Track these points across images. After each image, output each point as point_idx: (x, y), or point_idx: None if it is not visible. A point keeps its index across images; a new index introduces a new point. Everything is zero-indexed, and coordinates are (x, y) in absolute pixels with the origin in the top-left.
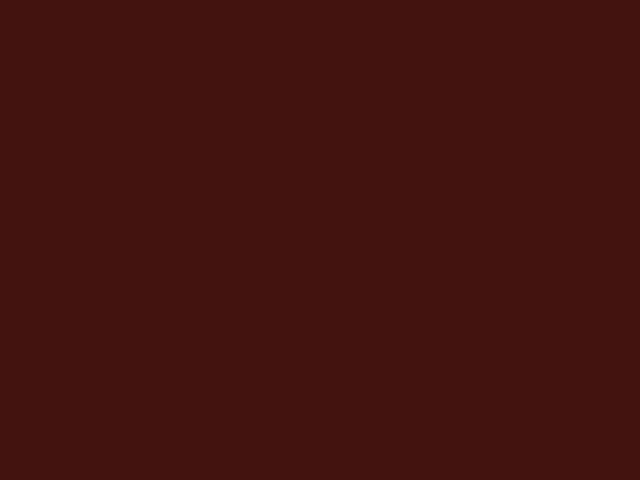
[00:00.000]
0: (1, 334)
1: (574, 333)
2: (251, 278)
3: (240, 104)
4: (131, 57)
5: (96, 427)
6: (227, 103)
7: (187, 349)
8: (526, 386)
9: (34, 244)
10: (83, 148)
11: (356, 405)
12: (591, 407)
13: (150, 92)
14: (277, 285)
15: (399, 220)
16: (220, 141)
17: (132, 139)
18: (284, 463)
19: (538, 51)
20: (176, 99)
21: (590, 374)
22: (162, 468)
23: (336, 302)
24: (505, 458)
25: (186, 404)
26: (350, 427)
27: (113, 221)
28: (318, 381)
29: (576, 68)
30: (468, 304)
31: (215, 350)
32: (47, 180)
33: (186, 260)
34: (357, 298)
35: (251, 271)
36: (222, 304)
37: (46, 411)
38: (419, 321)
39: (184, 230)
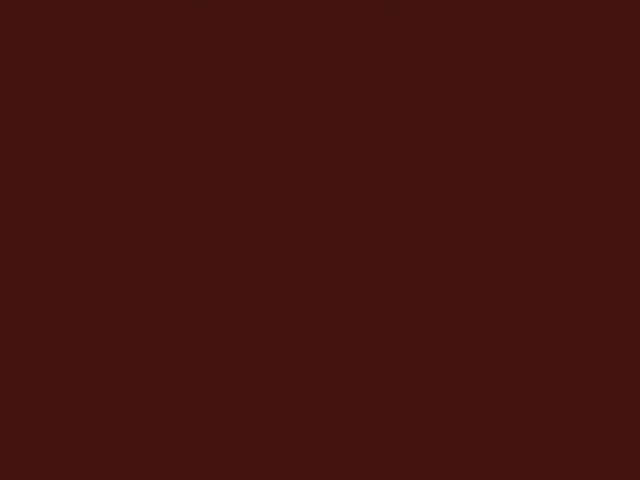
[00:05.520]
0: (1, 334)
1: (574, 333)
2: (250, 280)
3: (239, 105)
4: (130, 57)
5: (96, 427)
6: (227, 104)
7: (186, 349)
8: (526, 386)
9: (34, 244)
10: (82, 148)
11: (356, 405)
12: (591, 407)
13: (149, 92)
14: (277, 286)
15: (400, 221)
16: (220, 142)
17: (130, 140)
18: (284, 463)
19: (538, 51)
20: (175, 99)
21: (590, 374)
22: (162, 468)
23: (336, 302)
24: (505, 458)
25: (186, 404)
26: (350, 427)
27: (112, 222)
28: (318, 381)
29: (576, 68)
30: (468, 304)
31: (214, 350)
32: (46, 180)
33: (185, 261)
34: (357, 299)
35: (250, 273)
36: (222, 305)
37: (46, 411)
38: (420, 322)
39: (184, 231)
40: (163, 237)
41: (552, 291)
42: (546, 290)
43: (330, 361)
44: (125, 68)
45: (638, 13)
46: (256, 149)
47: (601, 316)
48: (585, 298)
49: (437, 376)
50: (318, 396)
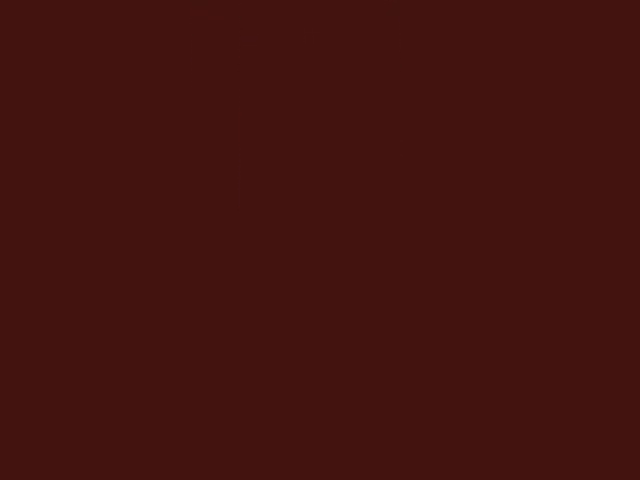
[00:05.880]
0: (1, 334)
1: (574, 333)
2: (251, 281)
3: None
4: (130, 57)
5: (96, 427)
6: (227, 105)
7: (186, 349)
8: (526, 386)
9: (35, 244)
10: (82, 148)
11: (356, 405)
12: (591, 407)
13: (149, 92)
14: (277, 287)
15: (400, 220)
16: (221, 143)
17: (130, 140)
18: (284, 462)
19: (538, 51)
20: (175, 99)
21: (590, 374)
22: (162, 468)
23: (336, 303)
24: (505, 458)
25: (186, 404)
26: (350, 427)
27: (112, 221)
28: (318, 381)
29: (576, 68)
30: (468, 304)
31: (214, 350)
32: (47, 180)
33: (186, 262)
34: (357, 299)
35: (251, 274)
36: (223, 305)
37: (46, 411)
38: (420, 322)
39: (184, 231)
40: (163, 237)
41: (552, 291)
42: (546, 290)
43: (330, 361)
44: (125, 68)
45: (638, 13)
46: (256, 149)
47: (601, 316)
48: (585, 298)
49: (437, 376)
50: (318, 396)
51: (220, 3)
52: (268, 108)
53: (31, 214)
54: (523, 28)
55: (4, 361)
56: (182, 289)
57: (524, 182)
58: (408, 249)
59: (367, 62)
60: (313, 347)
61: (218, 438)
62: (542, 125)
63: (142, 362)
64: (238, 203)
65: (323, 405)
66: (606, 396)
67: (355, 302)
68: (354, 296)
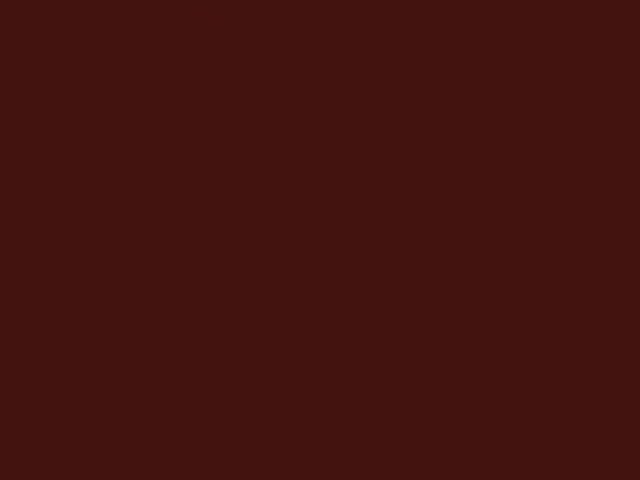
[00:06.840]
0: (1, 334)
1: (574, 333)
2: (251, 281)
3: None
4: (130, 57)
5: (96, 427)
6: (227, 105)
7: (187, 349)
8: (526, 386)
9: (35, 244)
10: (82, 148)
11: (356, 405)
12: (591, 407)
13: (148, 92)
14: (277, 287)
15: (400, 220)
16: (221, 143)
17: (130, 140)
18: (284, 463)
19: (538, 51)
20: (175, 99)
21: (590, 374)
22: (162, 468)
23: (336, 302)
24: (505, 458)
25: (186, 404)
26: (350, 427)
27: (112, 222)
28: (318, 381)
29: (576, 68)
30: (468, 304)
31: (214, 350)
32: (47, 180)
33: (186, 262)
34: (357, 299)
35: (251, 274)
36: (223, 305)
37: (46, 411)
38: (420, 322)
39: (184, 231)
40: (163, 237)
41: (552, 291)
42: (546, 290)
43: (330, 361)
44: (125, 68)
45: (638, 13)
46: (256, 149)
47: (601, 316)
48: (585, 298)
49: (437, 376)
50: (318, 396)
51: (220, 3)
52: (268, 108)
53: (31, 214)
54: (523, 28)
55: (4, 361)
56: (182, 288)
57: (524, 182)
58: (408, 249)
59: (367, 62)
60: (313, 347)
61: (218, 438)
62: (542, 125)
63: (142, 361)
64: (238, 203)
65: (323, 405)
66: (606, 396)
67: (355, 302)
68: (354, 296)
